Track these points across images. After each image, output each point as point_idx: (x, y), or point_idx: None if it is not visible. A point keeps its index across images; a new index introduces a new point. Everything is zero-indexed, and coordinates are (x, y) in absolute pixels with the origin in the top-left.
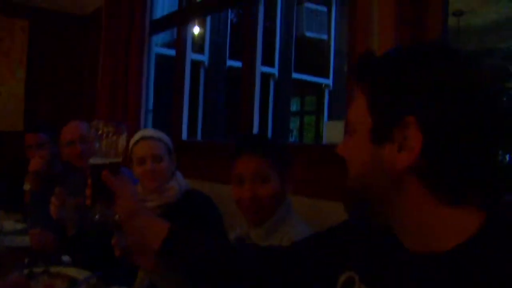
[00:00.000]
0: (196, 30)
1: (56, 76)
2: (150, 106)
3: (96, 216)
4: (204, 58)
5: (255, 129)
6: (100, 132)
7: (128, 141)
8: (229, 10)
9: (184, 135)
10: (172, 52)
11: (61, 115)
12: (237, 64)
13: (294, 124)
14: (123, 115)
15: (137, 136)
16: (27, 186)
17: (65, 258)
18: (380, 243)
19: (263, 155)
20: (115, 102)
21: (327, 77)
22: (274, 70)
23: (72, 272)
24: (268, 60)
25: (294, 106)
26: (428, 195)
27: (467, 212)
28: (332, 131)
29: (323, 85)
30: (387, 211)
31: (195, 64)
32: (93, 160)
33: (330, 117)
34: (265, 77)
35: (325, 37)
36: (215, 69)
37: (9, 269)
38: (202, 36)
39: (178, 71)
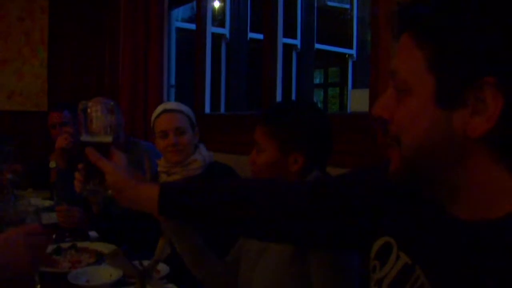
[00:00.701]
0: (216, 3)
1: (78, 55)
2: (173, 81)
3: (84, 192)
4: (225, 31)
5: (278, 101)
6: (89, 111)
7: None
8: None
9: (207, 109)
10: (193, 27)
11: (83, 93)
12: (259, 36)
13: (318, 96)
14: (145, 91)
15: (158, 110)
16: (52, 164)
17: (92, 233)
18: (422, 210)
19: (264, 124)
20: (137, 79)
21: (351, 47)
22: (297, 42)
23: (99, 246)
24: (290, 32)
25: (317, 79)
26: (497, 162)
27: None
28: (358, 100)
29: (347, 55)
30: (445, 179)
31: (216, 38)
32: (83, 138)
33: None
34: (288, 48)
35: (347, 5)
36: (237, 42)
37: None
38: (222, 9)
39: (199, 45)
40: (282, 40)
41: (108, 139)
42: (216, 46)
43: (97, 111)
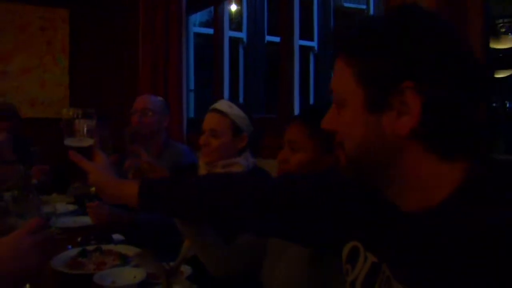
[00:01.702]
0: (233, 7)
1: (98, 62)
2: (192, 86)
3: (71, 190)
4: (242, 35)
5: (296, 103)
6: (70, 117)
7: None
8: None
9: None
10: (210, 31)
11: (104, 99)
12: (276, 39)
13: None
14: (165, 96)
15: (211, 106)
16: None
17: (116, 236)
18: (379, 210)
19: (303, 124)
20: (156, 84)
21: None
22: (314, 43)
23: (123, 249)
24: (307, 34)
25: None
26: (426, 153)
27: (457, 167)
28: None
29: None
30: (386, 173)
31: (234, 42)
32: (66, 142)
33: None
34: (305, 50)
35: (363, 6)
36: (254, 46)
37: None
38: (239, 13)
39: (216, 49)
40: (298, 42)
41: (90, 142)
42: (234, 50)
43: (78, 117)
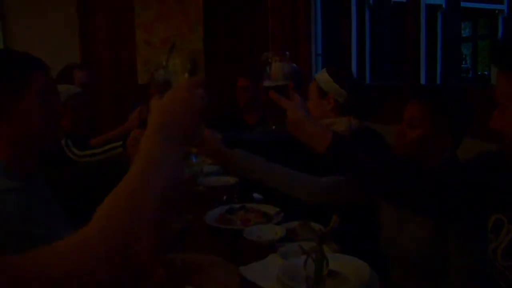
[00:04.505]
0: None
1: (231, 30)
2: (319, 50)
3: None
4: None
5: (422, 65)
6: (269, 60)
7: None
8: None
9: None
10: None
11: (237, 64)
12: None
13: (466, 50)
14: (295, 60)
15: None
16: None
17: (256, 195)
18: None
19: (423, 102)
20: (287, 49)
21: (501, 2)
22: (441, 1)
23: (263, 207)
24: None
25: (466, 31)
26: None
27: None
28: None
29: (497, 11)
30: None
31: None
32: (265, 83)
33: None
34: (432, 9)
35: None
36: (379, 6)
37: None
38: None
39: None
40: (425, 0)
41: (286, 82)
42: (360, 12)
43: (275, 60)
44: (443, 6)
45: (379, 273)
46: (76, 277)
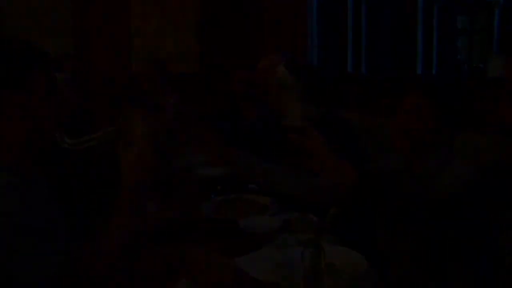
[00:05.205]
0: None
1: (229, 18)
2: (316, 42)
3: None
4: None
5: (419, 54)
6: None
7: None
8: None
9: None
10: None
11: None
12: None
13: (461, 42)
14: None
15: None
16: None
17: (251, 186)
18: None
19: (420, 93)
20: (283, 41)
21: None
22: None
23: (259, 199)
24: None
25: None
26: None
27: None
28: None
29: (492, 2)
30: None
31: None
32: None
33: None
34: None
35: None
36: None
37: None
38: None
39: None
40: None
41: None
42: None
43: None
44: None
45: (377, 267)
46: None
